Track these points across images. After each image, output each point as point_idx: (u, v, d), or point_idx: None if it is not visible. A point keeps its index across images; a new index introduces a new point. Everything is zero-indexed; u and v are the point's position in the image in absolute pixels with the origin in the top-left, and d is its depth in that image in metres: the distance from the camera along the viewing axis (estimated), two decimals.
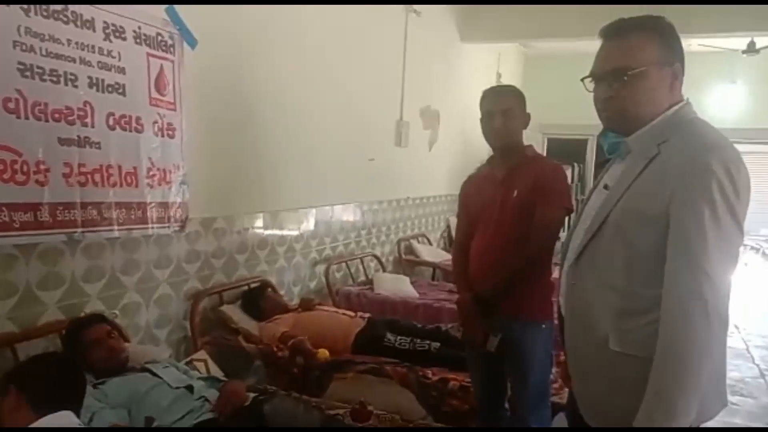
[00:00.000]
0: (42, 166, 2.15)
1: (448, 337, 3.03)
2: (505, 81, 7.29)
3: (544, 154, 8.19)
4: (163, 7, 2.61)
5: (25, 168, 2.09)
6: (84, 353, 2.06)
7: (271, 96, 3.42)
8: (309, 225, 3.98)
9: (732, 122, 7.03)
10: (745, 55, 6.46)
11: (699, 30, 5.13)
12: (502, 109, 2.20)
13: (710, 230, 1.22)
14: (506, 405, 2.35)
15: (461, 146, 6.31)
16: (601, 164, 1.95)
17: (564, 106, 7.48)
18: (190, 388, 1.99)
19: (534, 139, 8.15)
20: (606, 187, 1.45)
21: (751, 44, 6.25)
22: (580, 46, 6.88)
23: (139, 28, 2.51)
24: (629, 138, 1.41)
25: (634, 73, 1.34)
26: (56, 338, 2.27)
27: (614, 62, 1.37)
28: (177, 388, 1.98)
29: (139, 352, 2.25)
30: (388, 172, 4.90)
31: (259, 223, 3.48)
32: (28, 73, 2.09)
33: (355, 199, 4.51)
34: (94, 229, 2.37)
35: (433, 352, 2.85)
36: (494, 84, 7.01)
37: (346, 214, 4.44)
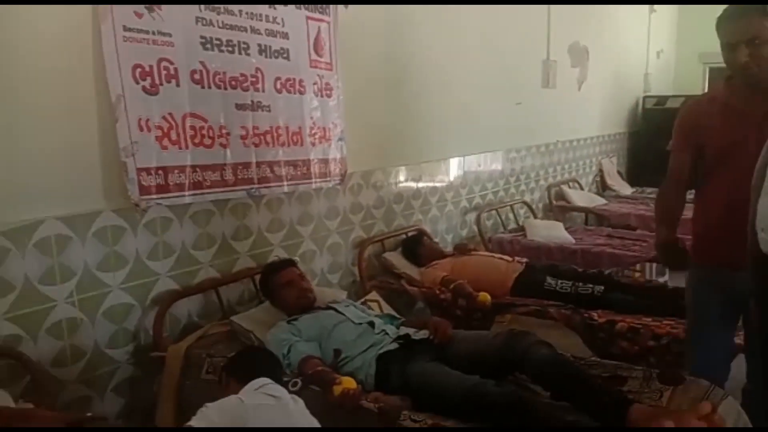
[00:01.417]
0: (224, 131, 2.40)
1: (611, 280, 2.96)
2: (660, 9, 6.69)
3: (705, 85, 7.48)
4: None
5: (211, 133, 2.35)
6: (279, 293, 2.31)
7: (419, 50, 3.45)
8: (458, 174, 4.02)
9: None
10: None
11: None
12: (747, 38, 1.77)
13: None
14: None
15: (613, 83, 5.93)
16: None
17: None
18: (371, 324, 2.16)
19: (693, 69, 7.44)
20: None
21: None
22: None
23: None
24: None
25: None
26: (249, 283, 2.57)
27: None
28: (360, 324, 2.16)
29: (320, 294, 2.46)
30: (536, 116, 4.76)
31: (413, 174, 3.58)
32: (208, 46, 2.32)
33: (502, 147, 4.46)
34: (268, 185, 2.61)
35: (597, 296, 2.79)
36: (647, 13, 6.51)
37: (494, 161, 4.41)
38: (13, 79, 1.84)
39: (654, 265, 3.89)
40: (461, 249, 3.43)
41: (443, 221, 3.90)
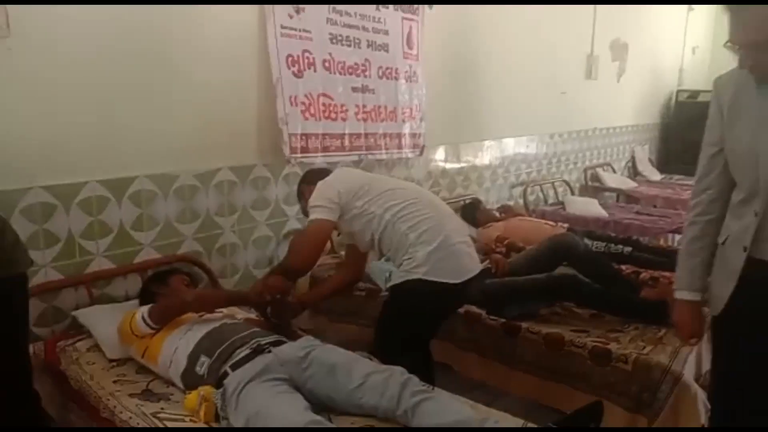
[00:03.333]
0: (344, 108, 3.07)
1: (638, 243, 3.59)
2: (698, 9, 7.14)
3: None
4: None
5: (335, 109, 3.02)
6: None
7: (483, 47, 4.08)
8: (508, 153, 4.65)
9: None
10: None
11: None
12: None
13: None
14: None
15: (649, 76, 6.47)
16: None
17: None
18: None
19: (727, 66, 7.84)
20: None
21: None
22: None
23: None
24: None
25: None
26: None
27: None
28: None
29: None
30: (577, 104, 5.34)
31: (472, 150, 4.23)
32: (334, 41, 2.98)
33: (546, 131, 5.07)
34: (372, 152, 3.29)
35: (626, 254, 3.42)
36: (685, 12, 6.98)
37: (539, 143, 5.03)
38: (202, 65, 2.52)
39: (675, 235, 4.47)
40: (506, 209, 4.10)
41: (494, 192, 4.55)
